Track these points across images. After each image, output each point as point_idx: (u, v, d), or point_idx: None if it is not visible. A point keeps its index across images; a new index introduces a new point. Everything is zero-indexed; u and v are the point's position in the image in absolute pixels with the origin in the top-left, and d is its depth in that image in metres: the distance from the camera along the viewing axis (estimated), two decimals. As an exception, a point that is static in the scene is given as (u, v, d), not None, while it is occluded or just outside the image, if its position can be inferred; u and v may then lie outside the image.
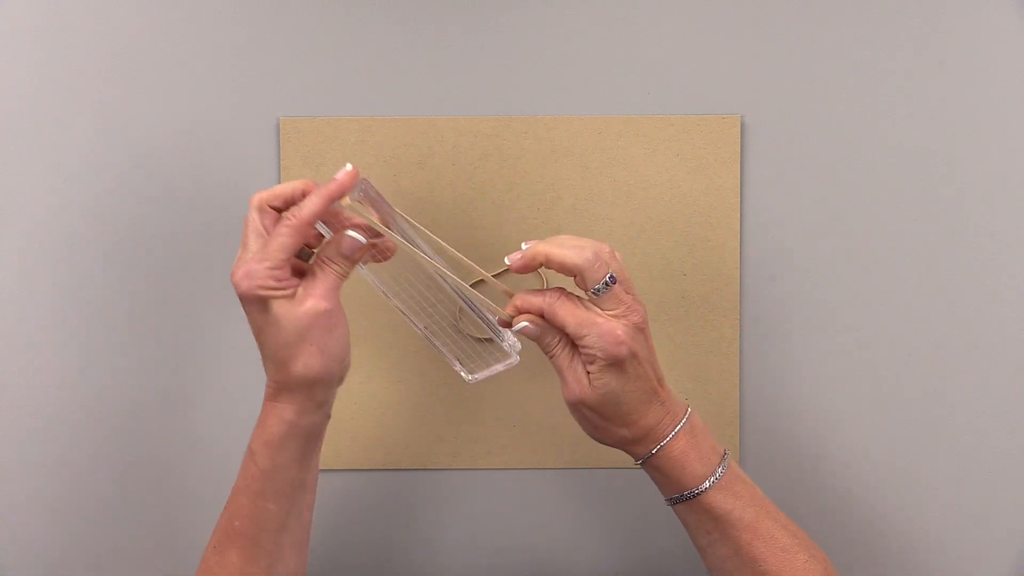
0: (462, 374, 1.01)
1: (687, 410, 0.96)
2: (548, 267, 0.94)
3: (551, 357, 0.96)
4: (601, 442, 0.97)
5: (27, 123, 1.10)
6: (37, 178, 1.10)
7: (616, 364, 0.93)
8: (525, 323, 0.96)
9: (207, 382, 1.12)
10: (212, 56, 1.10)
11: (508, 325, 0.97)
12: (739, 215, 1.11)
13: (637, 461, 0.97)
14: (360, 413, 1.12)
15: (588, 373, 0.94)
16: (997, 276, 1.11)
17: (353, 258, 0.94)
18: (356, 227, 0.94)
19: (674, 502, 0.96)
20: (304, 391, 0.92)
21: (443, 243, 0.99)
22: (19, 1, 1.09)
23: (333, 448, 1.11)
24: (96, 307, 1.11)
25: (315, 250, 0.96)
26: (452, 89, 1.10)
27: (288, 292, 0.92)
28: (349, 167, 0.93)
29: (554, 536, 1.14)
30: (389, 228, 0.95)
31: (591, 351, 0.93)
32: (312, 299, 0.91)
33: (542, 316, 0.95)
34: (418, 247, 0.97)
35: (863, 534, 1.13)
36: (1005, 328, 1.11)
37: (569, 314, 0.94)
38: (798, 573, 0.95)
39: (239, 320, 1.11)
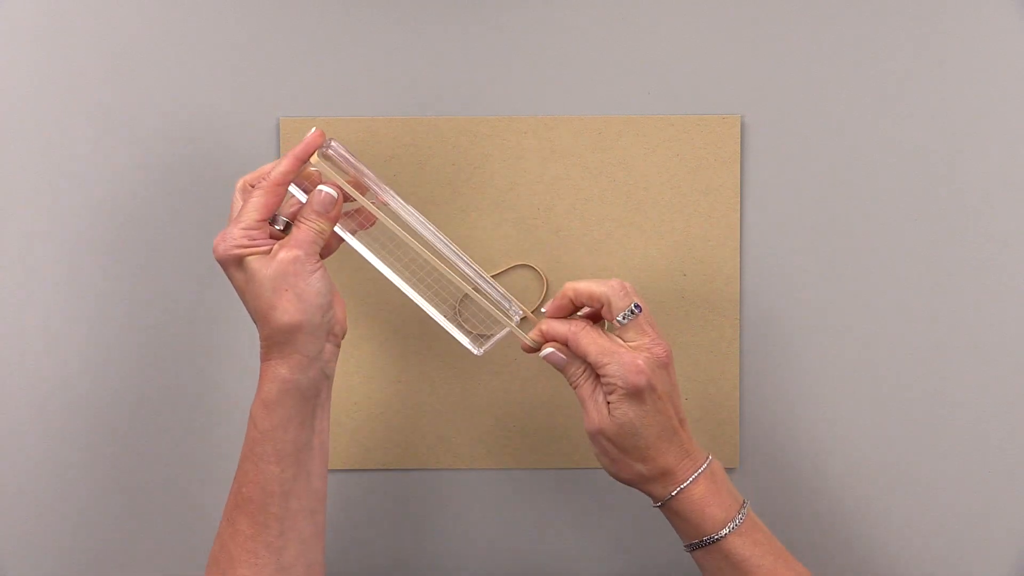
0: (471, 349, 1.03)
1: (708, 457, 0.97)
2: (576, 301, 0.98)
3: (575, 387, 0.98)
4: (619, 478, 0.97)
5: (27, 123, 1.10)
6: (37, 178, 1.10)
7: (635, 394, 0.94)
8: (552, 350, 0.98)
9: (208, 380, 1.12)
10: (212, 56, 1.10)
11: (533, 351, 1.00)
12: (739, 215, 1.11)
13: (656, 504, 0.97)
14: (360, 413, 1.12)
15: (608, 403, 0.95)
16: (997, 276, 1.11)
17: (328, 215, 0.96)
18: (328, 185, 0.97)
19: (693, 548, 0.97)
20: (290, 343, 0.93)
21: (439, 234, 1.01)
22: (19, 1, 1.09)
23: (333, 448, 1.11)
24: (96, 307, 1.11)
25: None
26: (452, 89, 1.10)
27: (263, 249, 0.94)
28: (314, 129, 0.97)
29: (554, 536, 1.13)
30: (364, 194, 0.98)
31: (611, 380, 0.94)
32: (284, 249, 0.94)
33: (566, 344, 0.97)
34: (408, 225, 0.99)
35: (863, 534, 1.13)
36: (1005, 328, 1.11)
37: (592, 343, 0.96)
38: None
39: (240, 319, 1.11)
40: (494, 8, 1.10)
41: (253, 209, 0.95)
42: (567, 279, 1.10)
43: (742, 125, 1.11)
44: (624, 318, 0.96)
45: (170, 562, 1.13)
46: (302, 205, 0.97)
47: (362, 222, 1.01)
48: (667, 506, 0.96)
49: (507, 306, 1.02)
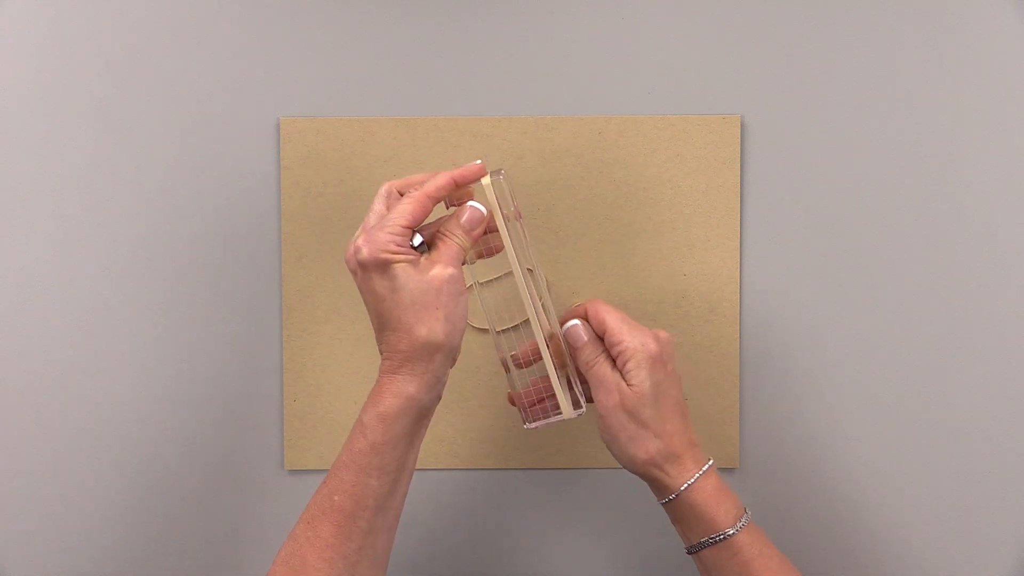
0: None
1: (710, 458, 0.99)
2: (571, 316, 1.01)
3: (589, 368, 0.99)
4: (635, 462, 0.98)
5: (27, 123, 1.10)
6: (37, 178, 1.10)
7: (653, 359, 0.97)
8: (576, 322, 1.00)
9: (207, 381, 1.12)
10: (212, 56, 1.10)
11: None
12: (739, 215, 1.11)
13: (668, 497, 0.97)
14: (360, 413, 1.12)
15: (625, 375, 0.97)
16: (998, 276, 1.11)
17: (473, 232, 0.96)
18: (479, 202, 0.97)
19: (700, 547, 0.97)
20: (426, 361, 0.92)
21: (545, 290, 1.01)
22: (20, 1, 1.09)
23: (333, 448, 1.11)
24: (96, 307, 1.11)
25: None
26: (452, 89, 1.10)
27: (411, 258, 0.92)
28: (479, 162, 0.97)
29: (554, 536, 1.13)
30: (507, 227, 0.98)
31: (629, 345, 0.97)
32: (439, 265, 0.93)
33: (585, 317, 1.00)
34: (528, 271, 0.99)
35: (863, 534, 1.13)
36: (1006, 328, 1.11)
37: (609, 312, 0.99)
38: None
39: (237, 321, 1.11)
40: (494, 8, 1.10)
41: (401, 216, 0.93)
42: (567, 279, 1.11)
43: (742, 125, 1.11)
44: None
45: (170, 562, 1.13)
46: (441, 220, 0.96)
47: (487, 250, 1.00)
48: (680, 498, 0.97)
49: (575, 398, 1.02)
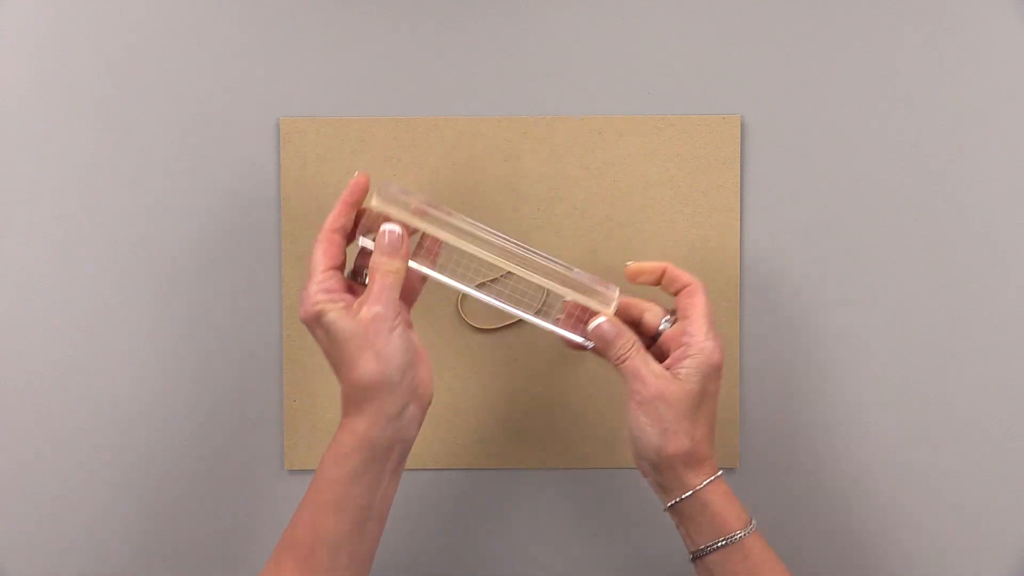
0: (585, 344, 1.00)
1: (720, 471, 0.98)
2: (666, 278, 1.00)
3: (623, 360, 0.97)
4: (660, 456, 0.96)
5: (27, 123, 1.10)
6: (37, 178, 1.10)
7: (713, 368, 0.96)
8: (602, 320, 0.98)
9: (207, 381, 1.12)
10: (212, 56, 1.10)
11: (577, 319, 0.99)
12: (739, 215, 1.11)
13: (683, 495, 0.96)
14: (360, 413, 1.12)
15: (671, 371, 0.96)
16: (998, 276, 1.11)
17: (398, 253, 0.95)
18: (392, 223, 0.96)
19: (707, 551, 0.96)
20: (369, 400, 0.93)
21: (514, 241, 1.00)
22: (20, 1, 1.09)
23: (333, 448, 1.11)
24: (96, 307, 1.11)
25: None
26: (452, 89, 1.11)
27: (341, 305, 0.93)
28: (356, 173, 0.97)
29: (554, 536, 1.13)
30: (424, 220, 0.97)
31: (697, 345, 0.96)
32: (365, 305, 0.93)
33: (662, 275, 1.00)
34: (480, 239, 0.98)
35: (863, 534, 1.13)
36: (1006, 328, 1.11)
37: (702, 302, 0.98)
38: None
39: (237, 321, 1.11)
40: (494, 8, 1.10)
41: (316, 263, 0.95)
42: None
43: (742, 125, 1.11)
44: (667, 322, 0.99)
45: (170, 562, 1.13)
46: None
47: (431, 249, 0.99)
48: (694, 497, 0.95)
49: (603, 290, 0.99)
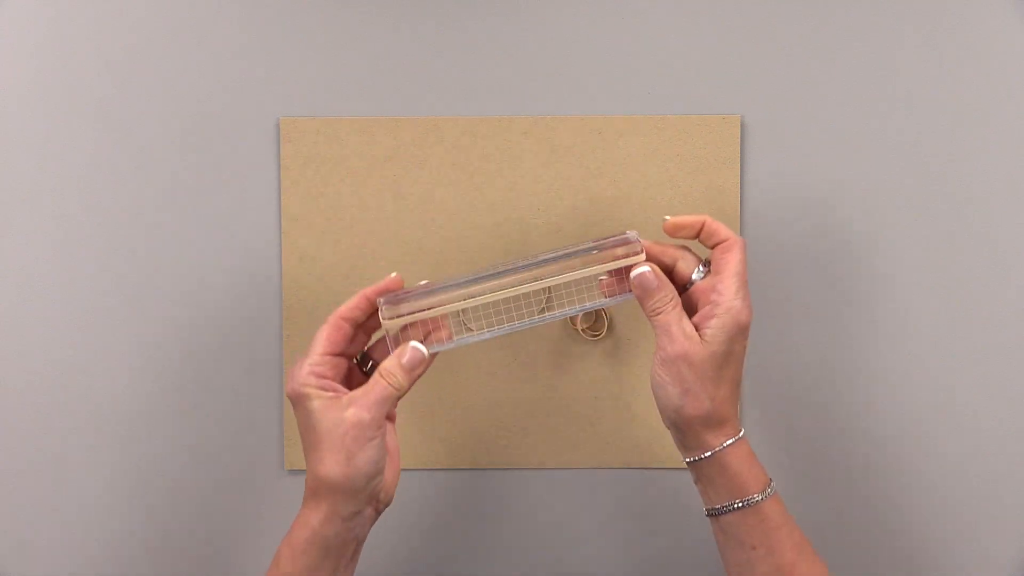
0: (608, 302, 1.00)
1: (743, 431, 0.97)
2: (705, 232, 0.98)
3: (657, 313, 0.96)
4: (680, 415, 0.94)
5: (27, 123, 1.10)
6: (37, 178, 1.10)
7: (739, 328, 0.94)
8: (646, 269, 0.96)
9: (207, 381, 1.12)
10: (212, 56, 1.10)
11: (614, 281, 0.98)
12: (739, 215, 1.11)
13: (703, 454, 0.95)
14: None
15: (698, 330, 0.95)
16: (998, 276, 1.11)
17: (414, 373, 0.95)
18: (420, 343, 0.95)
19: (725, 511, 0.95)
20: (327, 498, 0.92)
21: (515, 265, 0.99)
22: (20, 1, 1.09)
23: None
24: (96, 307, 1.11)
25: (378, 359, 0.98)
26: (452, 89, 1.10)
27: (327, 394, 0.93)
28: (394, 274, 0.97)
29: (554, 536, 1.13)
30: (435, 318, 0.97)
31: (724, 304, 0.94)
32: (355, 407, 0.93)
33: (701, 229, 0.97)
34: (479, 285, 0.98)
35: (863, 533, 1.13)
36: (1006, 327, 1.11)
37: (737, 260, 0.96)
38: None
39: (237, 321, 1.11)
40: (494, 8, 1.10)
41: (317, 344, 0.95)
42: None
43: (742, 125, 1.11)
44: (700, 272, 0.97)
45: (170, 562, 1.13)
46: (389, 343, 0.96)
47: (440, 338, 0.98)
48: (714, 458, 0.94)
49: (624, 245, 0.98)
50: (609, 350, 1.11)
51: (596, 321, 1.11)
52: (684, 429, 0.95)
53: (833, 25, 1.10)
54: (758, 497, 0.94)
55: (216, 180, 1.10)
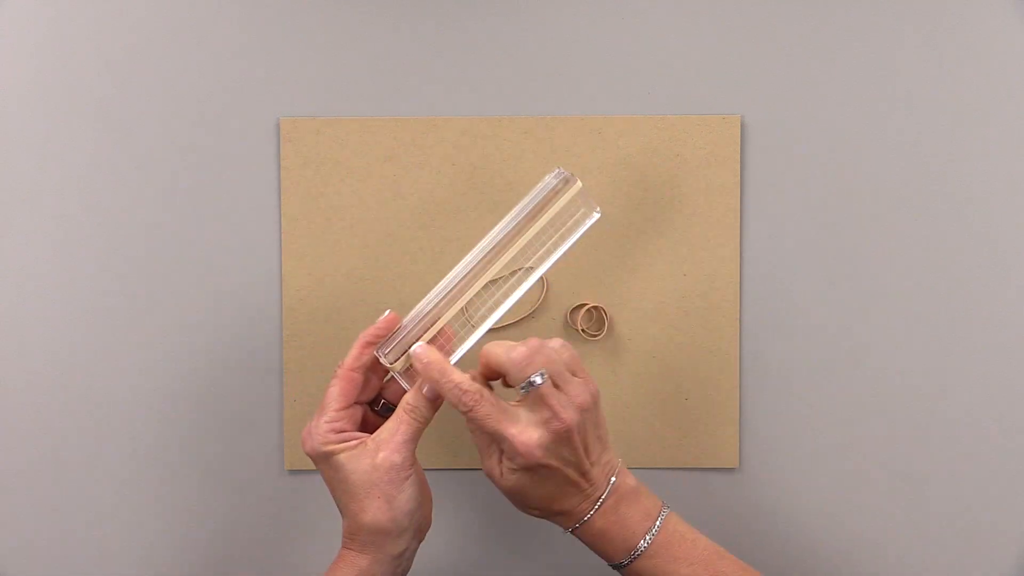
0: None
1: (609, 483, 0.94)
2: (486, 365, 0.94)
3: (470, 430, 0.95)
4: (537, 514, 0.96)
5: (27, 123, 1.10)
6: (37, 178, 1.10)
7: (526, 468, 0.92)
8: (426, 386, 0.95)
9: (207, 381, 1.12)
10: (212, 56, 1.10)
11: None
12: (739, 215, 1.11)
13: (575, 527, 0.96)
14: (360, 413, 1.12)
15: (500, 463, 0.94)
16: (998, 276, 1.11)
17: (437, 401, 0.95)
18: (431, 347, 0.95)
19: (625, 564, 0.95)
20: (375, 542, 0.93)
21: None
22: (20, 1, 1.09)
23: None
24: (96, 307, 1.11)
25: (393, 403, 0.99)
26: (452, 89, 1.10)
27: (351, 444, 0.93)
28: (388, 312, 0.97)
29: (554, 536, 1.13)
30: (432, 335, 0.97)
31: (506, 453, 0.93)
32: (385, 451, 0.93)
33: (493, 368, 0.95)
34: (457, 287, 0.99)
35: (863, 535, 1.13)
36: (1006, 328, 1.11)
37: (486, 417, 0.92)
38: None
39: (237, 321, 1.11)
40: (494, 8, 1.10)
41: (331, 399, 0.95)
42: (566, 280, 1.11)
43: (742, 125, 1.11)
44: (524, 389, 0.92)
45: (169, 563, 1.13)
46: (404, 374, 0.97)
47: (451, 348, 0.99)
48: (583, 528, 0.95)
49: (559, 174, 0.99)
50: (609, 350, 1.11)
51: (596, 321, 1.11)
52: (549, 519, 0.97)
53: (833, 25, 1.10)
54: (623, 563, 0.94)
55: (216, 180, 1.10)
